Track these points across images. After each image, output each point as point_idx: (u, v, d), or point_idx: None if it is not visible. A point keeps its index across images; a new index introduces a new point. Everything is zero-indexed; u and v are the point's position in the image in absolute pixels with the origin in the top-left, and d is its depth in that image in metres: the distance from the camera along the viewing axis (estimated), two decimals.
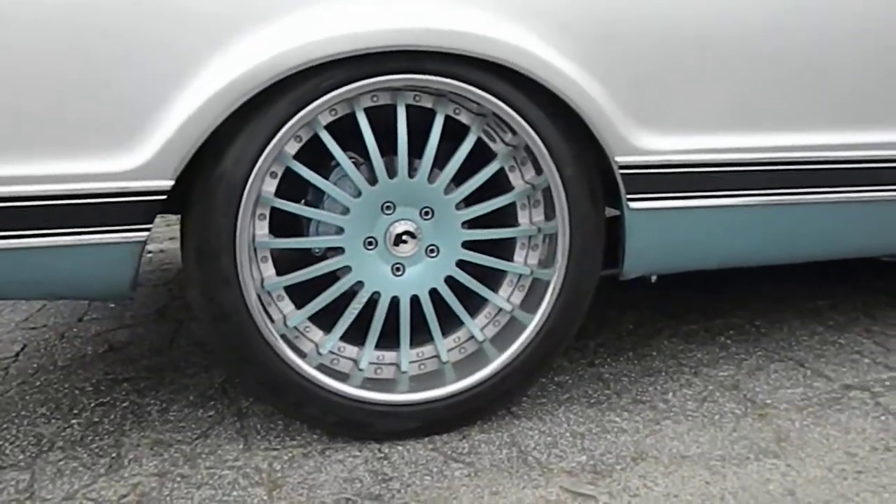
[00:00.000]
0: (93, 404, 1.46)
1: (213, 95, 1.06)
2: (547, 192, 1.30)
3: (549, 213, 1.32)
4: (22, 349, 1.76)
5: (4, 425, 1.38)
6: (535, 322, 1.30)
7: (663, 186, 1.26)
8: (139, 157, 1.06)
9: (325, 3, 1.09)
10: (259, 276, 1.24)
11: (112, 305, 2.01)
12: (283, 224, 1.28)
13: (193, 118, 1.06)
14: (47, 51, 1.02)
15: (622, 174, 1.24)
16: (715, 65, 1.26)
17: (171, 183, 1.08)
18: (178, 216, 1.23)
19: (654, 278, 1.42)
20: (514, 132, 1.25)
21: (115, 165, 1.06)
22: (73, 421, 1.39)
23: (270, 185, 1.20)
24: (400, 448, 1.28)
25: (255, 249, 1.22)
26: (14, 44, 1.01)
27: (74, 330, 1.86)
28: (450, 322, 1.34)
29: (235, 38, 1.06)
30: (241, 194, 1.13)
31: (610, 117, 1.20)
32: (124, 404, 1.45)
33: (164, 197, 1.09)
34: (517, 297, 1.37)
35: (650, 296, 2.00)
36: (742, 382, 1.52)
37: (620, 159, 1.23)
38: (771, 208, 1.35)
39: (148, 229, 1.10)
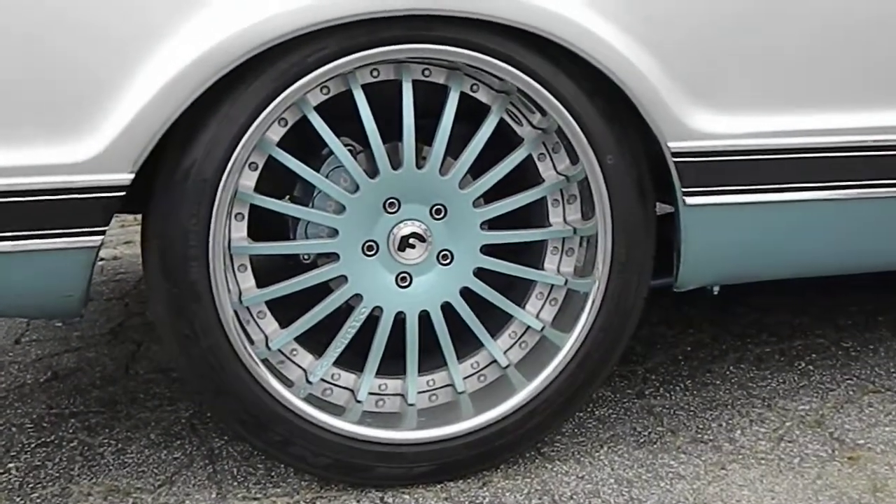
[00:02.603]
0: (34, 444, 1.49)
1: (181, 70, 1.09)
2: (584, 186, 1.32)
3: (587, 211, 1.34)
4: None
5: None
6: (570, 343, 1.32)
7: (727, 178, 1.28)
8: (92, 146, 1.09)
9: None
10: (236, 289, 1.26)
11: (57, 324, 2.05)
12: (265, 226, 1.31)
13: (157, 98, 1.09)
14: None
15: (676, 163, 1.25)
16: (790, 23, 1.27)
17: (131, 177, 1.12)
18: (138, 216, 1.26)
19: (716, 290, 1.43)
20: (543, 113, 1.27)
21: (63, 156, 1.09)
22: (11, 465, 1.43)
23: (249, 179, 1.23)
24: (406, 497, 1.30)
25: (231, 256, 1.25)
26: None
27: (10, 354, 1.91)
28: (467, 344, 1.37)
29: (198, 6, 1.09)
30: (215, 190, 1.16)
31: (661, 93, 1.22)
32: (72, 444, 1.49)
33: (121, 193, 1.12)
34: (548, 314, 1.39)
35: (711, 311, 2.01)
36: (827, 418, 1.52)
37: (674, 145, 1.24)
38: (863, 203, 1.36)
39: (102, 233, 1.13)
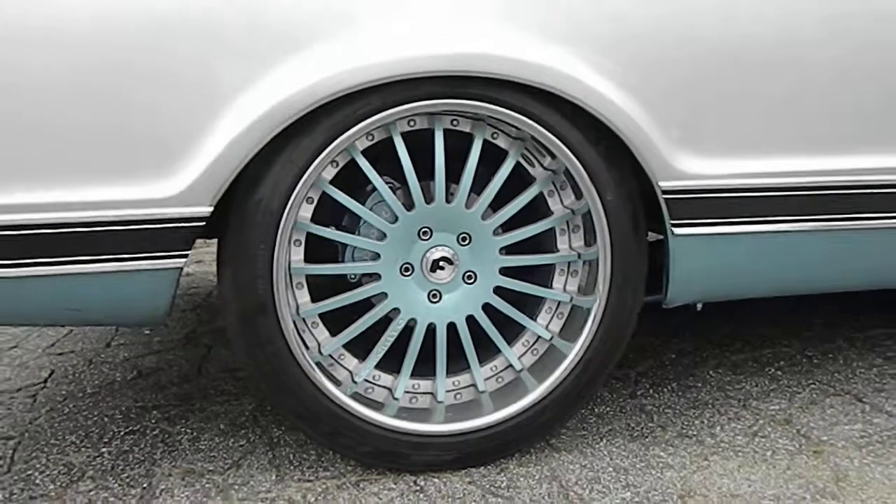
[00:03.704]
0: (123, 432, 1.51)
1: (253, 122, 1.11)
2: (587, 217, 1.33)
3: (590, 239, 1.35)
4: (50, 375, 1.83)
5: (34, 454, 1.43)
6: (575, 351, 1.33)
7: (709, 212, 1.29)
8: (178, 184, 1.12)
9: (361, 29, 1.14)
10: (294, 303, 1.28)
11: (145, 332, 2.08)
12: (317, 249, 1.33)
13: (233, 144, 1.12)
14: (89, 76, 1.08)
15: (666, 199, 1.26)
16: (761, 88, 1.28)
17: (210, 209, 1.14)
18: (207, 240, 1.27)
19: (699, 306, 1.43)
20: (552, 156, 1.29)
21: (155, 192, 1.12)
22: (104, 449, 1.44)
23: (306, 211, 1.26)
24: (436, 480, 1.31)
25: (290, 276, 1.27)
26: (57, 69, 1.08)
27: (102, 356, 1.93)
28: (486, 350, 1.38)
29: (274, 65, 1.12)
30: (279, 221, 1.19)
31: (653, 141, 1.23)
32: (155, 432, 1.51)
33: (202, 223, 1.14)
34: (556, 325, 1.40)
35: (693, 323, 2.01)
36: (795, 417, 1.52)
37: (664, 184, 1.26)
38: (821, 234, 1.36)
39: (186, 255, 1.15)
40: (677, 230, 1.29)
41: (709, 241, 1.31)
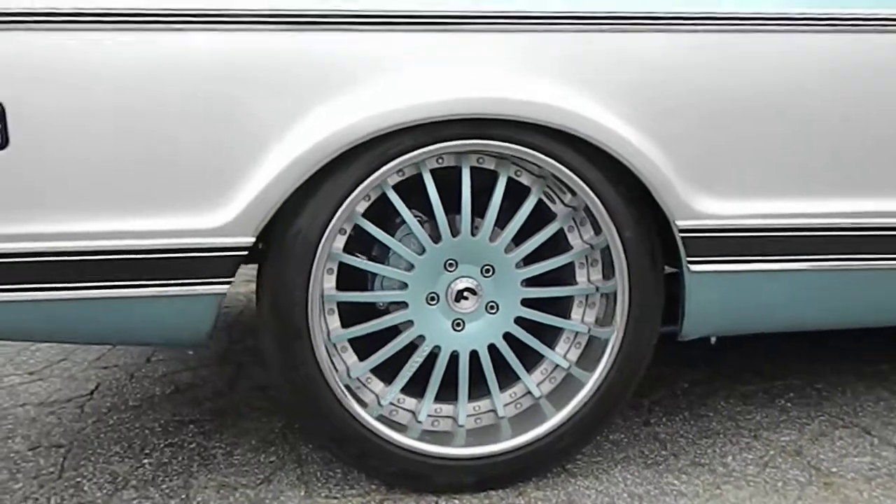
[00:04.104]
0: (162, 444, 1.52)
1: (294, 160, 1.13)
2: (605, 252, 1.32)
3: (608, 273, 1.34)
4: (96, 387, 1.84)
5: (82, 462, 1.45)
6: (593, 380, 1.31)
7: (724, 250, 1.27)
8: (225, 216, 1.14)
9: (394, 74, 1.16)
10: (326, 328, 1.29)
11: (188, 352, 2.09)
12: (347, 277, 1.34)
13: (276, 181, 1.13)
14: (147, 119, 1.11)
15: (683, 237, 1.25)
16: (774, 131, 1.27)
17: (253, 240, 1.15)
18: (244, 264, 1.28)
19: (713, 340, 1.41)
20: (573, 193, 1.28)
21: (203, 223, 1.14)
22: (145, 460, 1.45)
23: (339, 242, 1.26)
24: (457, 502, 1.30)
25: (322, 302, 1.27)
26: (113, 107, 1.10)
27: (143, 370, 1.95)
28: (506, 377, 1.37)
29: (313, 107, 1.13)
30: (315, 251, 1.20)
31: (671, 182, 1.23)
32: (192, 446, 1.51)
33: (245, 252, 1.16)
34: (573, 354, 1.39)
35: (704, 354, 1.97)
36: (805, 448, 1.48)
37: (681, 223, 1.25)
38: (831, 274, 1.34)
39: (230, 282, 1.17)
40: (693, 267, 1.27)
41: (724, 277, 1.29)
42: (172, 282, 1.15)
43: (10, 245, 1.12)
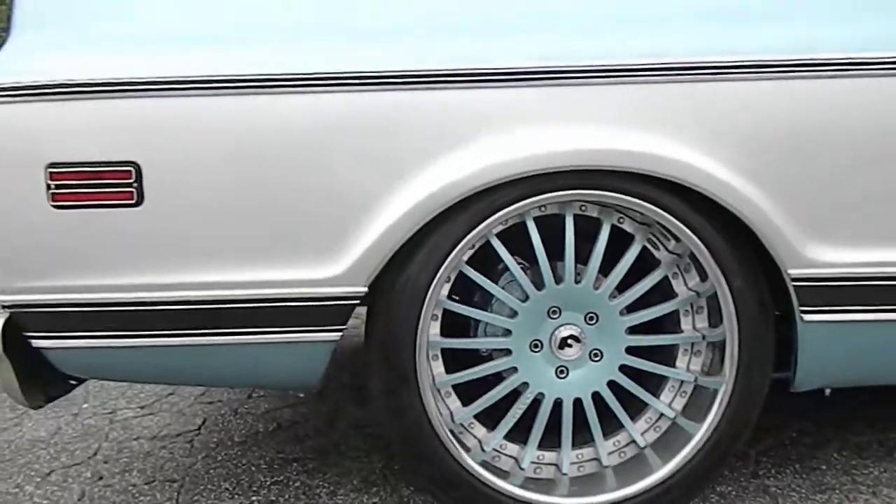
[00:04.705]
0: (269, 482, 1.58)
1: (406, 213, 1.18)
2: (711, 299, 1.31)
3: (714, 320, 1.32)
4: (203, 423, 1.94)
5: (195, 498, 1.52)
6: (702, 432, 1.29)
7: (840, 299, 1.23)
8: (339, 267, 1.20)
9: (504, 129, 1.19)
10: (430, 374, 1.32)
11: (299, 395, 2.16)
12: (450, 323, 1.37)
13: (388, 232, 1.18)
14: (267, 175, 1.19)
15: (795, 286, 1.23)
16: (891, 176, 1.23)
17: (365, 289, 1.21)
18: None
19: (828, 391, 1.36)
20: (677, 240, 1.28)
21: (318, 274, 1.20)
22: (254, 497, 1.52)
23: (444, 289, 1.30)
24: None
25: (427, 348, 1.31)
26: (236, 165, 1.19)
27: (246, 406, 2.03)
28: (609, 424, 1.36)
29: (427, 162, 1.18)
30: (424, 299, 1.24)
31: (782, 230, 1.21)
32: (296, 484, 1.56)
33: (357, 301, 1.21)
34: (679, 403, 1.36)
35: (811, 401, 1.89)
36: None
37: (794, 272, 1.22)
38: None
39: (342, 329, 1.22)
40: (807, 316, 1.24)
41: (840, 327, 1.25)
42: (289, 329, 1.21)
43: (144, 294, 1.21)
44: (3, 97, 1.17)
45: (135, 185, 1.18)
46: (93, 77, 1.17)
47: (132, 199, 1.18)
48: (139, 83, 1.17)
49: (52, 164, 1.17)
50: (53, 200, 1.18)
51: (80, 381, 1.39)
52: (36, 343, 1.23)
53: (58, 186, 1.18)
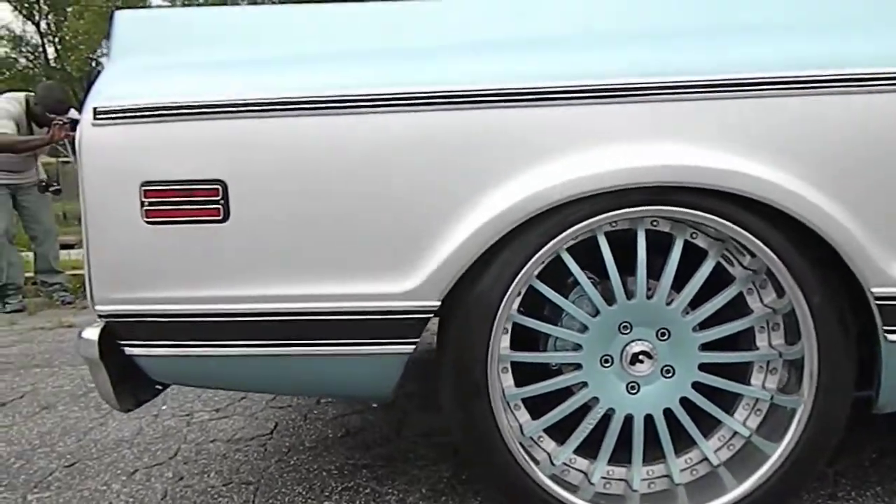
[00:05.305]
0: (340, 487, 1.63)
1: (480, 228, 1.21)
2: (788, 316, 1.28)
3: (791, 338, 1.30)
4: (275, 427, 2.01)
5: (270, 500, 1.58)
6: (779, 452, 1.27)
7: None
8: (414, 281, 1.23)
9: (580, 145, 1.20)
10: (500, 387, 1.34)
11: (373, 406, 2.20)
12: (519, 336, 1.39)
13: (462, 248, 1.21)
14: (348, 192, 1.23)
15: (879, 305, 1.19)
16: None
17: (439, 303, 1.24)
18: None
19: None
20: (752, 255, 1.26)
21: (394, 288, 1.24)
22: (325, 502, 1.56)
23: (515, 303, 1.32)
24: None
25: (498, 361, 1.33)
26: (317, 183, 1.23)
27: (315, 412, 2.10)
28: (681, 441, 1.35)
29: (502, 179, 1.21)
30: (496, 313, 1.26)
31: (865, 248, 1.18)
32: (366, 491, 1.61)
33: (431, 315, 1.24)
34: (753, 422, 1.35)
35: (891, 420, 1.82)
36: None
37: (877, 290, 1.19)
38: None
39: (416, 343, 1.25)
40: (891, 336, 1.20)
41: None
42: (365, 342, 1.25)
43: (228, 306, 1.27)
44: (103, 120, 1.25)
45: (221, 201, 1.24)
46: (183, 100, 1.24)
47: (219, 215, 1.25)
48: (226, 105, 1.24)
49: (146, 182, 1.25)
50: (147, 217, 1.25)
51: (166, 387, 1.47)
52: (129, 350, 1.31)
53: (151, 203, 1.25)
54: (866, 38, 1.20)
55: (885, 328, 1.21)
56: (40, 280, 4.71)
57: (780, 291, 1.27)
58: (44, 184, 4.48)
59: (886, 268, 1.19)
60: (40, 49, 26.62)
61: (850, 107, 1.18)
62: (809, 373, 1.25)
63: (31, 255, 4.74)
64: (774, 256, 1.23)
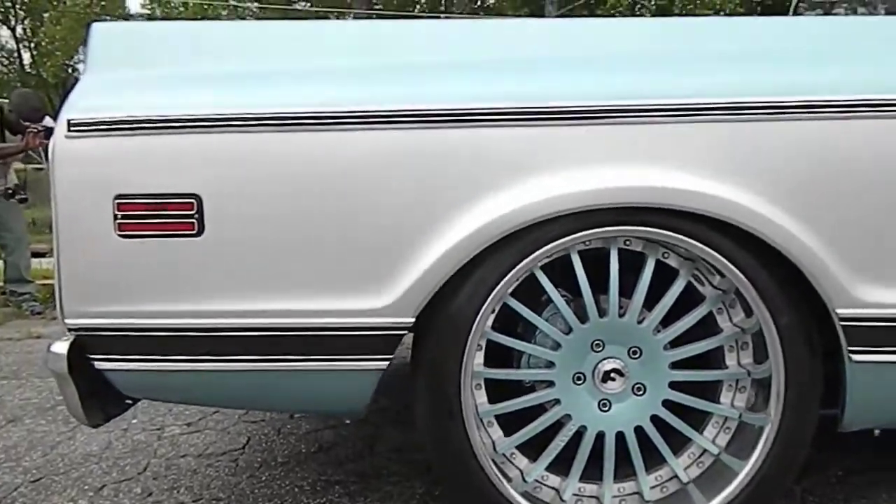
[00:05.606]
0: None
1: (454, 246, 1.22)
2: (757, 335, 1.31)
3: (759, 356, 1.32)
4: (247, 442, 1.99)
5: None
6: (747, 469, 1.29)
7: (890, 340, 1.23)
8: (388, 298, 1.24)
9: (553, 166, 1.22)
10: (474, 404, 1.34)
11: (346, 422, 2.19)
12: (494, 354, 1.40)
13: (437, 265, 1.22)
14: (322, 208, 1.24)
15: (844, 326, 1.22)
16: None
17: (413, 320, 1.24)
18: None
19: (877, 432, 1.35)
20: (721, 275, 1.29)
21: (368, 304, 1.24)
22: None
23: (489, 320, 1.33)
24: None
25: (472, 378, 1.33)
26: (292, 199, 1.24)
27: (288, 426, 2.08)
28: (652, 458, 1.36)
29: (477, 198, 1.22)
30: (470, 329, 1.27)
31: (830, 269, 1.21)
32: None
33: (405, 332, 1.25)
34: (722, 439, 1.37)
35: (859, 438, 1.85)
36: None
37: (842, 311, 1.22)
38: None
39: (390, 359, 1.26)
40: (856, 356, 1.23)
41: (889, 368, 1.24)
42: (339, 358, 1.25)
43: (201, 321, 1.27)
44: (77, 132, 1.25)
45: (196, 216, 1.24)
46: (159, 114, 1.24)
47: (193, 229, 1.24)
48: (201, 120, 1.24)
49: (120, 196, 1.24)
50: (120, 230, 1.24)
51: (136, 401, 1.45)
52: (98, 365, 1.30)
53: (124, 217, 1.25)
54: (828, 67, 1.24)
55: (850, 349, 1.23)
56: (9, 290, 4.62)
57: (749, 311, 1.30)
58: (10, 191, 4.39)
59: (851, 289, 1.22)
60: (15, 54, 26.28)
61: (814, 131, 1.21)
62: (777, 391, 1.28)
63: (0, 263, 4.66)
64: (743, 277, 1.26)
